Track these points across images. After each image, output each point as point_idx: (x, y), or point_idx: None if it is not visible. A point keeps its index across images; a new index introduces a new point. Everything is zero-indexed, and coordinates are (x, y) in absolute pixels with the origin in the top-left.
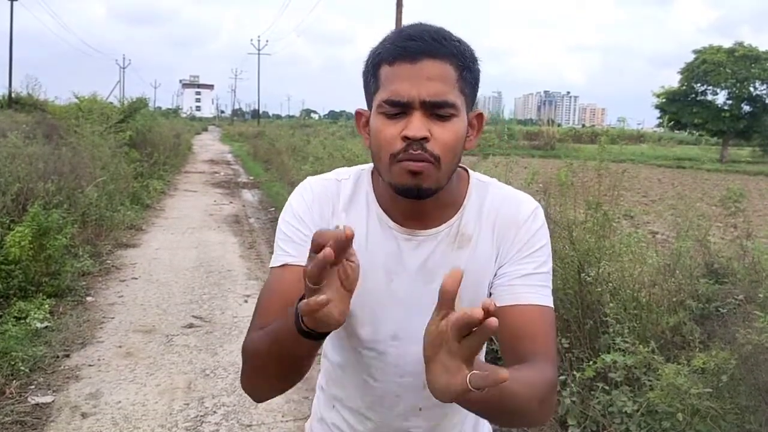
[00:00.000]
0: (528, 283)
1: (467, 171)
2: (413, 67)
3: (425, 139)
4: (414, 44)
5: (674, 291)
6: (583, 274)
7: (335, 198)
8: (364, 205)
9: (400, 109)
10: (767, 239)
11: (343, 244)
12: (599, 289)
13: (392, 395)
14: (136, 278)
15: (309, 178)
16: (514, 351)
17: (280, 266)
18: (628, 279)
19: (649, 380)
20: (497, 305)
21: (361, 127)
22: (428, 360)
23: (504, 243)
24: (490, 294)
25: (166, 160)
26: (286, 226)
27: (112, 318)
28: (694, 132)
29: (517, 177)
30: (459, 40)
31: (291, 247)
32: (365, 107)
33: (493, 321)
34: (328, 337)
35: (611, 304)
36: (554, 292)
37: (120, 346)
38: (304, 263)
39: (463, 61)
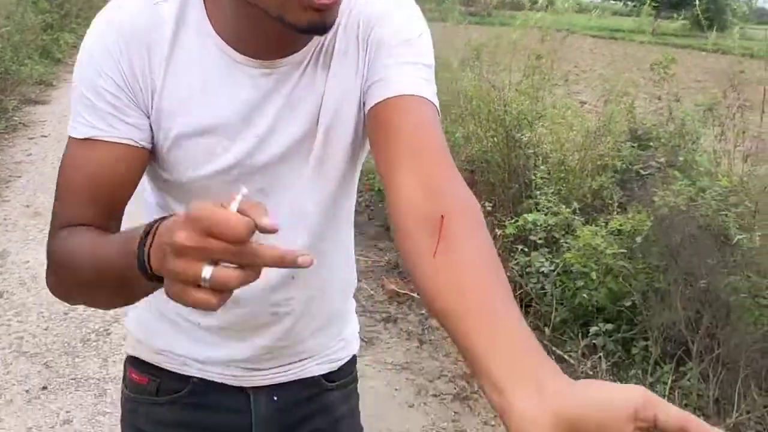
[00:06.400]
0: (405, 72)
1: None
2: None
3: None
4: None
5: (600, 155)
6: (517, 135)
7: (152, 33)
8: (196, 37)
9: None
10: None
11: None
12: (530, 152)
13: None
14: (46, 136)
15: (110, 7)
16: (394, 152)
17: (82, 139)
18: (557, 143)
19: (566, 242)
20: (374, 104)
21: None
22: None
23: (371, 43)
24: (366, 114)
25: (79, 12)
26: (86, 84)
27: (19, 177)
28: (629, 2)
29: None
30: None
31: (95, 117)
32: None
33: None
34: (157, 206)
35: (542, 167)
36: (482, 154)
37: (27, 206)
38: (113, 138)
39: None
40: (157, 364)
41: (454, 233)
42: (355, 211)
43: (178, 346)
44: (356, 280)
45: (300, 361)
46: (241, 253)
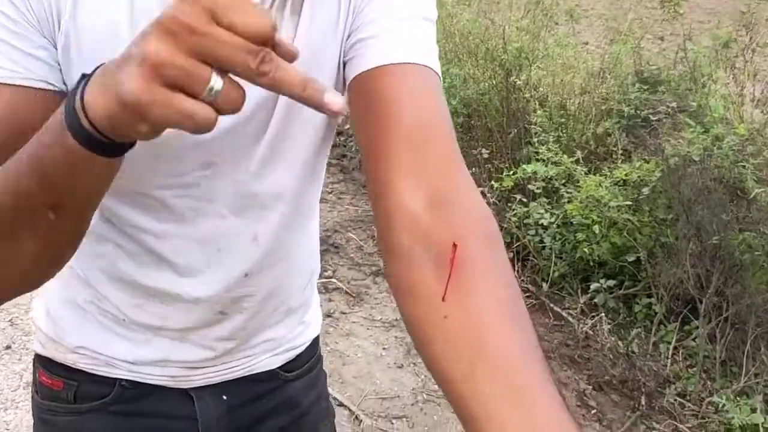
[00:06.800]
0: (403, 30)
1: None
2: None
3: None
4: None
5: (604, 99)
6: (512, 78)
7: None
8: None
9: None
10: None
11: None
12: (527, 95)
13: (209, 247)
14: None
15: None
16: (389, 142)
17: None
18: (558, 85)
19: (567, 192)
20: (362, 71)
21: None
22: None
23: None
24: (349, 81)
25: None
26: None
27: None
28: None
29: None
30: None
31: (2, 55)
32: None
33: None
34: None
35: (539, 112)
36: (480, 96)
37: None
38: (22, 81)
39: None
40: (72, 365)
41: (468, 264)
42: (345, 156)
43: (99, 344)
44: (319, 267)
45: (251, 356)
46: (263, 58)
